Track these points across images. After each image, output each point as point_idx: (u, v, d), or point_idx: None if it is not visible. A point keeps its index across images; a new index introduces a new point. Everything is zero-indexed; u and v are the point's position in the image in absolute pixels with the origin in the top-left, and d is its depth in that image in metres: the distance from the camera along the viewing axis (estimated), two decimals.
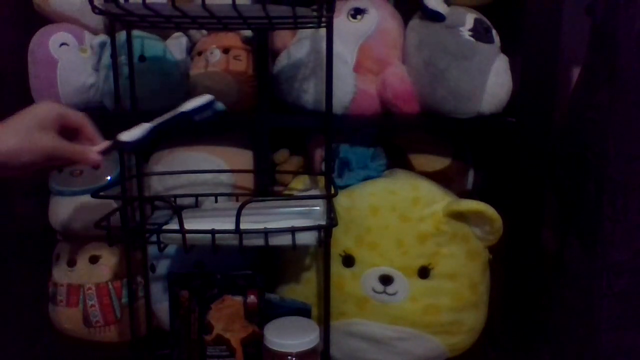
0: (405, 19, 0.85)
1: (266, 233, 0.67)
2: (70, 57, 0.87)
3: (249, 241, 0.68)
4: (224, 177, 0.86)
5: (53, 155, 0.56)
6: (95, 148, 0.60)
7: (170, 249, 0.84)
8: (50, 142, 0.56)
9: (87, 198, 0.83)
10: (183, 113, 0.64)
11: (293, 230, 0.68)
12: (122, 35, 0.78)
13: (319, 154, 0.87)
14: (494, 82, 0.77)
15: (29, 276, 0.93)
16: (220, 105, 0.69)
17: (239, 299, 0.79)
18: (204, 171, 0.84)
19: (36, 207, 0.92)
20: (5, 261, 0.89)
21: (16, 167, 0.54)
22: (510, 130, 0.80)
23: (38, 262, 0.94)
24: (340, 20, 0.81)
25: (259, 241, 0.68)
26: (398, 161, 0.87)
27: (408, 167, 0.88)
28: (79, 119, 0.60)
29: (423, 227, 0.77)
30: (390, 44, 0.83)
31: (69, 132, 0.60)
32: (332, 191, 0.72)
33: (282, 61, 0.83)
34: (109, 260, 0.90)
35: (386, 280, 0.78)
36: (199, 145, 0.88)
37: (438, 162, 0.88)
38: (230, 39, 0.87)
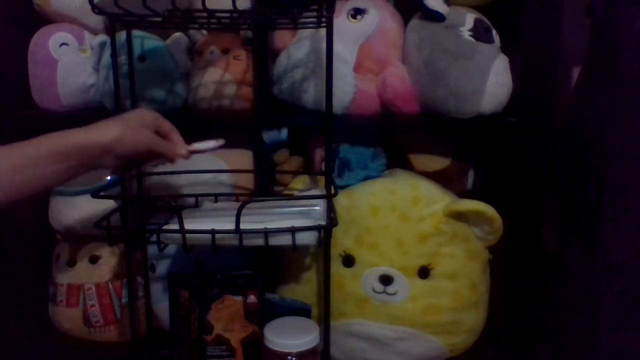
0: (405, 19, 0.85)
1: (266, 233, 0.67)
2: (70, 57, 0.87)
3: (249, 241, 0.68)
4: (224, 177, 0.86)
5: (150, 146, 0.63)
6: (187, 146, 0.67)
7: (170, 249, 0.84)
8: (150, 135, 0.64)
9: (87, 198, 0.83)
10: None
11: (293, 230, 0.68)
12: (122, 35, 0.78)
13: (319, 154, 0.87)
14: (494, 82, 0.77)
15: (29, 276, 0.93)
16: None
17: (239, 299, 0.79)
18: (204, 171, 0.84)
19: (36, 207, 0.92)
20: (5, 261, 0.89)
21: (118, 155, 0.61)
22: (510, 130, 0.80)
23: (38, 262, 0.94)
24: (340, 20, 0.81)
25: (259, 241, 0.68)
26: (398, 161, 0.87)
27: (408, 167, 0.88)
28: (170, 126, 0.67)
29: (423, 227, 0.77)
30: (390, 44, 0.83)
31: (160, 136, 0.66)
32: (332, 191, 0.72)
33: (282, 61, 0.83)
34: (109, 260, 0.90)
35: (386, 280, 0.78)
36: None
37: (438, 162, 0.88)
38: (230, 39, 0.87)
